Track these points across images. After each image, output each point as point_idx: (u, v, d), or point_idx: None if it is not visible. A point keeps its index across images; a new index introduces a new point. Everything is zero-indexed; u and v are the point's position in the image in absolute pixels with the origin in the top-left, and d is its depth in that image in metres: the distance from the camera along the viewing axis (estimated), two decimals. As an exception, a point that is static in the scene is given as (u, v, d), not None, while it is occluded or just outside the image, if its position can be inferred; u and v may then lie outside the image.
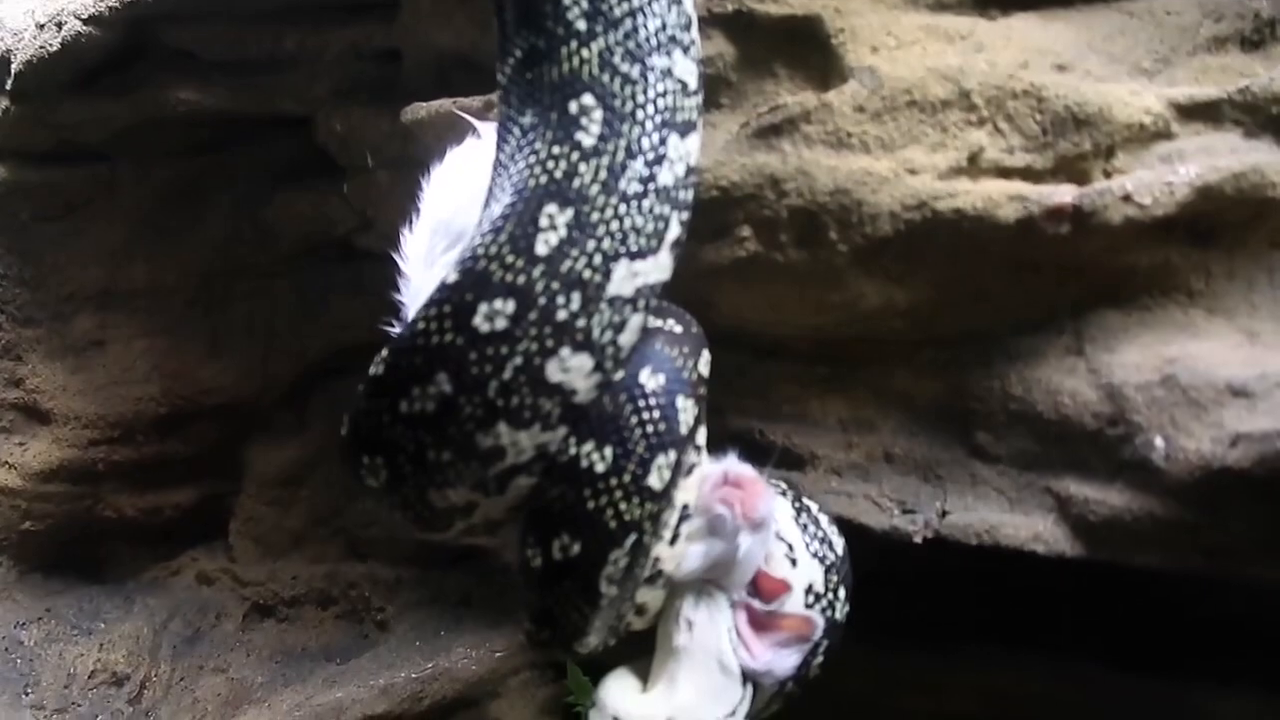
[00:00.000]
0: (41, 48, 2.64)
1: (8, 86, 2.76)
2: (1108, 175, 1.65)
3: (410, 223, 1.76)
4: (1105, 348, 1.67)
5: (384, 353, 1.45)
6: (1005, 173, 1.66)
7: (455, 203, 1.68)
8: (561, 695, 2.46)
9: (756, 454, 1.92)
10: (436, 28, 2.10)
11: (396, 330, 1.68)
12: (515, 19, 1.48)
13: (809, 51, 1.76)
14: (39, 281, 2.97)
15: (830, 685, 1.73)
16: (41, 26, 2.66)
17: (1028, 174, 1.66)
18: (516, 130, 1.48)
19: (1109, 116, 1.62)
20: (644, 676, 1.68)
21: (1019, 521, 1.71)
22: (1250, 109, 1.62)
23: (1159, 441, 1.54)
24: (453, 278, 1.41)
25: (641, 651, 1.71)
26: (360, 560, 2.77)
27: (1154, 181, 1.56)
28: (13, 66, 2.70)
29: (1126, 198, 1.57)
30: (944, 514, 1.79)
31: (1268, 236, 1.66)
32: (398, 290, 1.74)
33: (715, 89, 1.78)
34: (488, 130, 1.79)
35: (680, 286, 1.54)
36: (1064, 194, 1.60)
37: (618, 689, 1.65)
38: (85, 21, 2.54)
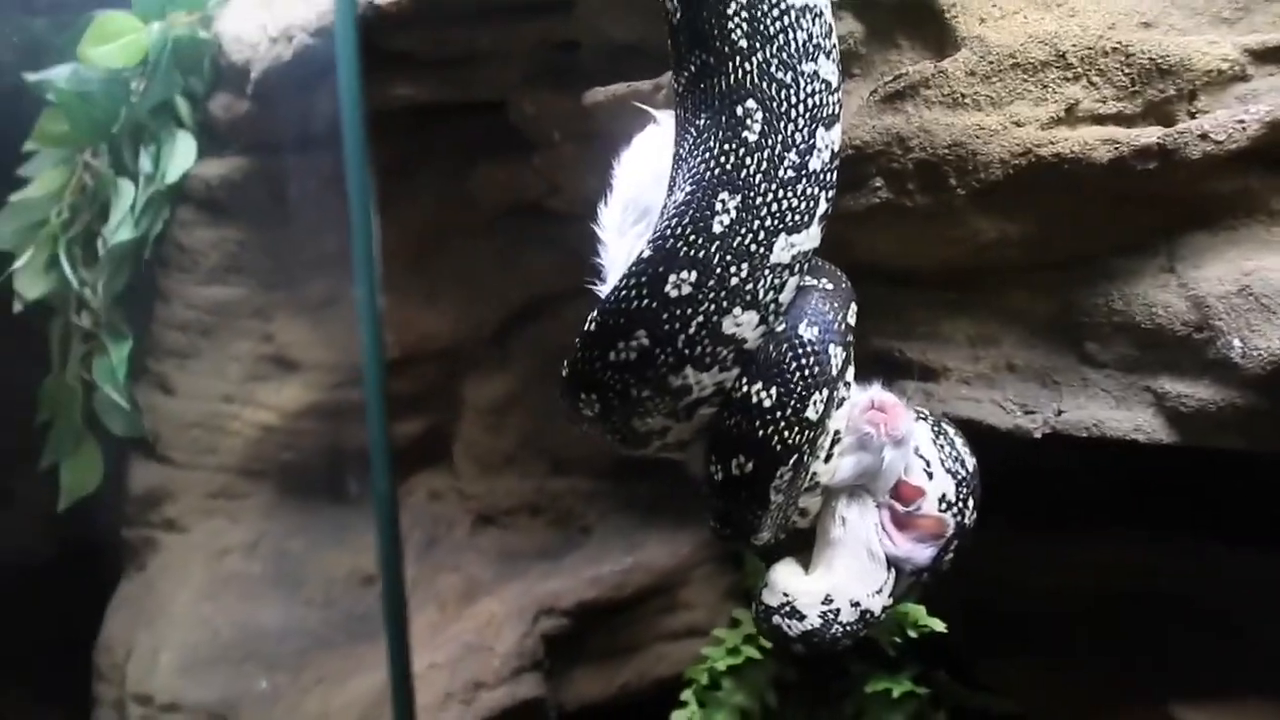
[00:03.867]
0: (277, 57, 3.14)
1: (249, 91, 3.27)
2: (1191, 116, 1.91)
3: (605, 198, 2.15)
4: (1194, 265, 1.94)
5: (594, 313, 1.84)
6: (1100, 120, 1.94)
7: (641, 182, 2.05)
8: (741, 581, 2.88)
9: (896, 370, 2.29)
10: (609, 22, 2.47)
11: (599, 290, 2.08)
12: (687, 40, 1.83)
13: (926, 24, 2.06)
14: (278, 251, 3.50)
15: (964, 567, 2.07)
16: (274, 40, 3.16)
17: (1119, 119, 1.93)
18: (692, 130, 1.84)
19: (1189, 65, 1.88)
20: (806, 564, 2.06)
21: (1123, 415, 2.01)
22: (1323, 49, 1.85)
23: (1236, 342, 1.82)
24: (647, 253, 1.79)
25: (804, 545, 2.07)
26: (563, 475, 3.24)
27: (1227, 120, 1.82)
28: (252, 75, 3.22)
29: (1204, 135, 1.83)
30: (1059, 413, 2.10)
31: (1343, 160, 1.89)
32: (596, 255, 2.14)
33: (848, 62, 2.11)
34: (664, 118, 2.16)
35: (826, 231, 1.89)
36: (1149, 135, 1.88)
37: (785, 572, 2.04)
38: (312, 34, 3.02)
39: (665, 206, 1.87)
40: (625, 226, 2.07)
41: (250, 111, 3.32)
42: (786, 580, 2.02)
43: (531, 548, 3.17)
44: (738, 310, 1.78)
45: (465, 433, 3.35)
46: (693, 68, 1.84)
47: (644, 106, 2.22)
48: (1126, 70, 1.90)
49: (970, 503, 2.02)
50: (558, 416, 3.15)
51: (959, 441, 2.04)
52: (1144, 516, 2.24)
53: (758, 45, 1.78)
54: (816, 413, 1.84)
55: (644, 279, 1.77)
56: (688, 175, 1.82)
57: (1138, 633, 2.33)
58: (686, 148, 1.86)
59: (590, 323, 1.84)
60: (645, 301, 1.77)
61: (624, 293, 1.79)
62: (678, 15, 1.85)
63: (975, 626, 2.47)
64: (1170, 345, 1.95)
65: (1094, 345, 2.07)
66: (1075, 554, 2.35)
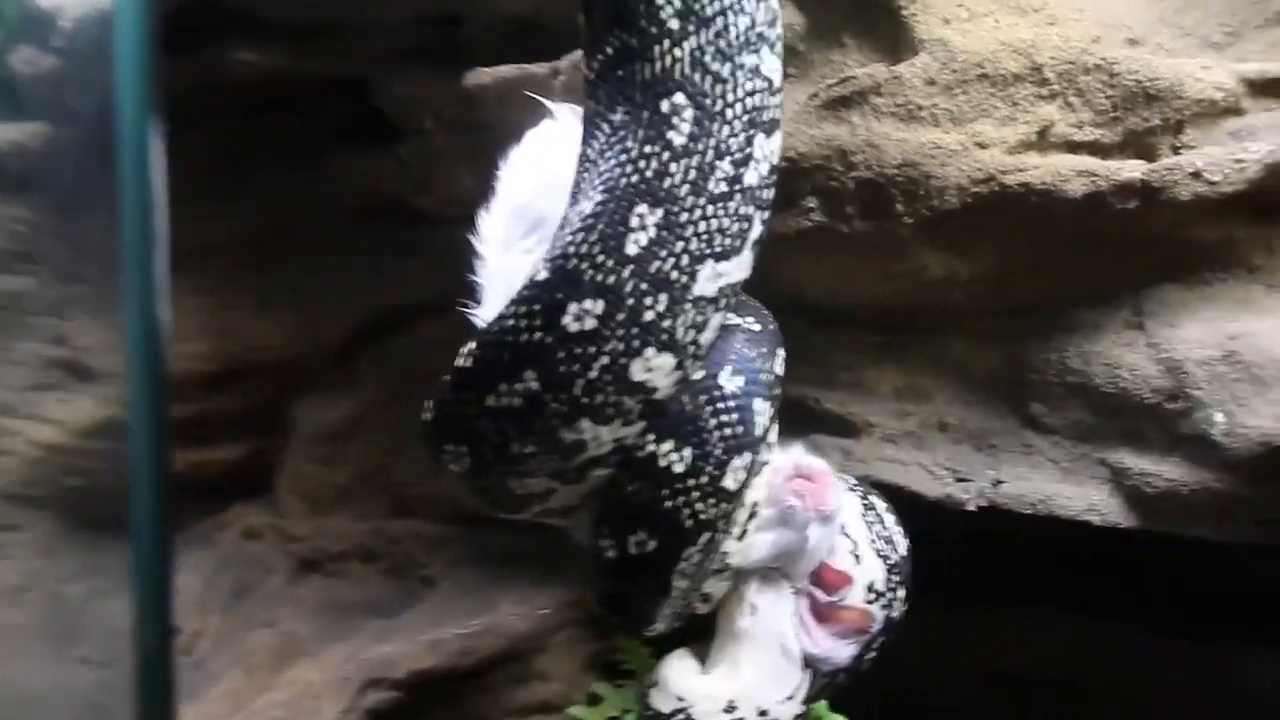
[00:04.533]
0: (92, 7, 2.64)
1: (56, 45, 2.76)
2: (1175, 150, 1.67)
3: (486, 202, 1.79)
4: (1166, 322, 1.70)
5: (472, 346, 1.48)
6: (1073, 147, 1.68)
7: (535, 186, 1.70)
8: (605, 651, 2.51)
9: (811, 422, 1.98)
10: (501, -9, 2.12)
11: (475, 314, 1.73)
12: (606, 17, 1.49)
13: (879, 22, 1.77)
14: (79, 238, 2.99)
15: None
16: (94, -16, 2.66)
17: (1095, 148, 1.68)
18: (606, 126, 1.50)
19: (1180, 92, 1.64)
20: (702, 658, 1.71)
21: (1073, 491, 1.75)
22: (1321, 87, 1.63)
23: (1219, 417, 1.57)
24: (542, 275, 1.43)
25: (700, 632, 1.74)
26: (405, 517, 2.81)
27: (1224, 158, 1.58)
28: (61, 25, 2.71)
29: (1196, 174, 1.58)
30: (997, 483, 1.82)
31: (1333, 215, 1.67)
32: (472, 270, 1.78)
33: (785, 59, 1.78)
34: (563, 110, 1.81)
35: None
36: (1133, 170, 1.62)
37: (680, 670, 1.69)
38: (140, -21, 2.54)
39: (567, 218, 1.53)
40: (512, 238, 1.72)
41: (56, 69, 2.80)
42: (681, 680, 1.66)
43: (362, 601, 2.72)
44: (651, 351, 1.44)
45: (293, 462, 2.89)
46: (610, 50, 1.50)
47: (538, 96, 1.86)
48: (1109, 92, 1.65)
49: (901, 592, 1.71)
50: (406, 448, 2.82)
51: (890, 519, 1.73)
52: (1089, 599, 1.98)
53: (691, 28, 1.45)
54: (736, 482, 1.52)
55: (537, 307, 1.42)
56: (598, 181, 1.48)
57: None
58: (598, 147, 1.52)
59: (465, 357, 1.48)
60: (538, 335, 1.42)
61: (511, 323, 1.44)
62: None
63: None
64: (1134, 413, 1.69)
65: (1040, 407, 1.81)
66: (1007, 636, 2.08)
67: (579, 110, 1.84)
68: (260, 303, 2.84)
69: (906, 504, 1.82)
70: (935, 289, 1.81)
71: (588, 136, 1.56)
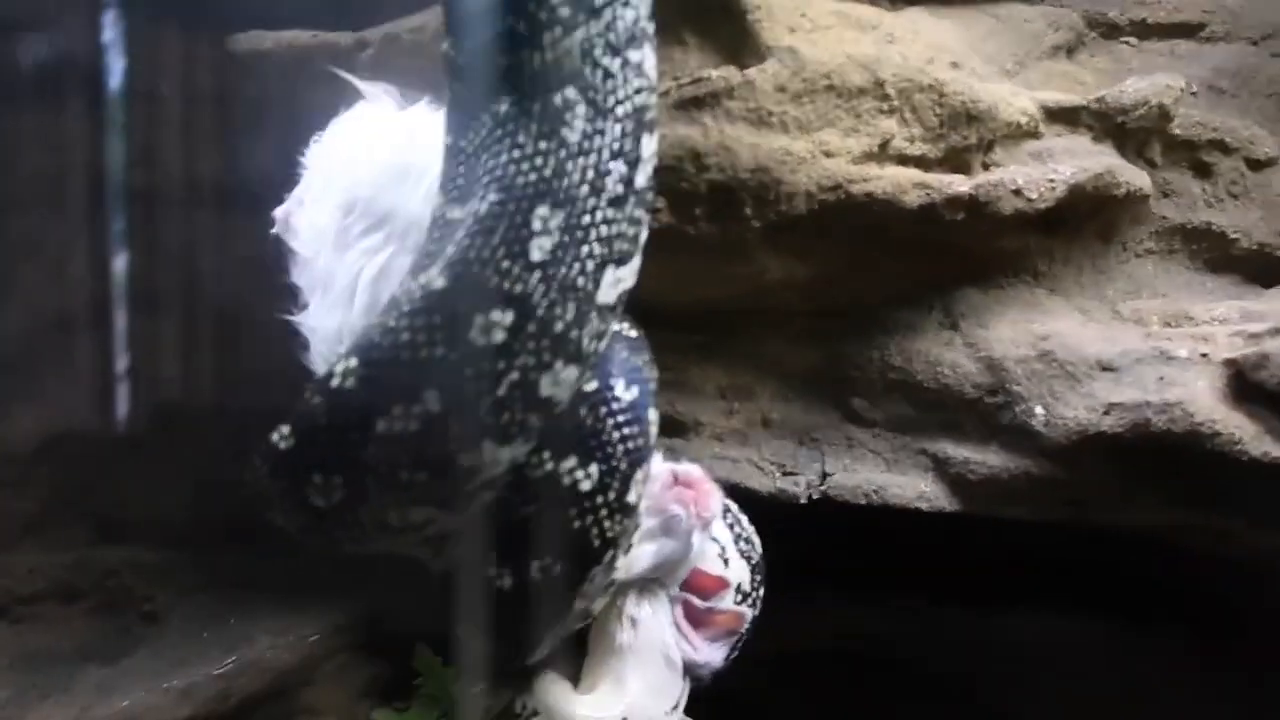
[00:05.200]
0: None
1: None
2: (985, 167, 1.82)
3: (288, 193, 1.58)
4: (976, 323, 1.85)
5: (352, 364, 1.29)
6: (904, 160, 1.78)
7: (372, 179, 1.51)
8: (378, 677, 2.33)
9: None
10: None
11: (298, 318, 1.52)
12: None
13: (721, 24, 1.76)
14: None
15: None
16: None
17: (921, 162, 1.79)
18: (487, 119, 1.35)
19: (995, 114, 1.78)
20: (570, 678, 1.64)
21: (901, 481, 1.86)
22: (1100, 115, 1.86)
23: (1039, 410, 1.75)
24: (440, 283, 1.27)
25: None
26: (114, 543, 2.41)
27: (1039, 178, 1.75)
28: None
29: (1018, 191, 1.74)
30: (825, 476, 1.90)
31: (1096, 229, 1.92)
32: (282, 269, 1.56)
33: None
34: (375, 93, 1.63)
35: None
36: (960, 184, 1.75)
37: (560, 695, 1.59)
38: None
39: (447, 219, 1.37)
40: (350, 237, 1.54)
41: None
42: (567, 706, 1.58)
43: (69, 648, 2.31)
44: (559, 365, 1.34)
45: (-40, 489, 2.37)
46: (488, 33, 1.36)
47: (351, 79, 1.66)
48: (939, 110, 1.76)
49: (761, 591, 1.74)
50: (114, 463, 2.41)
51: (744, 520, 1.75)
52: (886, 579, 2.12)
53: (581, 18, 1.35)
54: (637, 495, 1.48)
55: (437, 319, 1.27)
56: (485, 178, 1.34)
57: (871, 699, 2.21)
58: (478, 140, 1.37)
59: (346, 377, 1.30)
60: (440, 351, 1.27)
61: (406, 337, 1.28)
62: None
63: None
64: (954, 407, 1.84)
65: (862, 402, 1.91)
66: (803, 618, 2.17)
67: (394, 91, 1.67)
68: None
69: (740, 500, 1.85)
70: (770, 291, 1.85)
71: (459, 127, 1.41)
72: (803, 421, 1.94)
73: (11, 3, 2.06)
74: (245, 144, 1.79)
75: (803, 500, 1.89)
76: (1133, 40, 2.12)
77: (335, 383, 1.31)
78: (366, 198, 1.53)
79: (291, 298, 1.58)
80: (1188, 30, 2.11)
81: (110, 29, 2.01)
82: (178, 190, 2.06)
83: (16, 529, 2.39)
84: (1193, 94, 2.01)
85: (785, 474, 1.92)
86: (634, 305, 1.81)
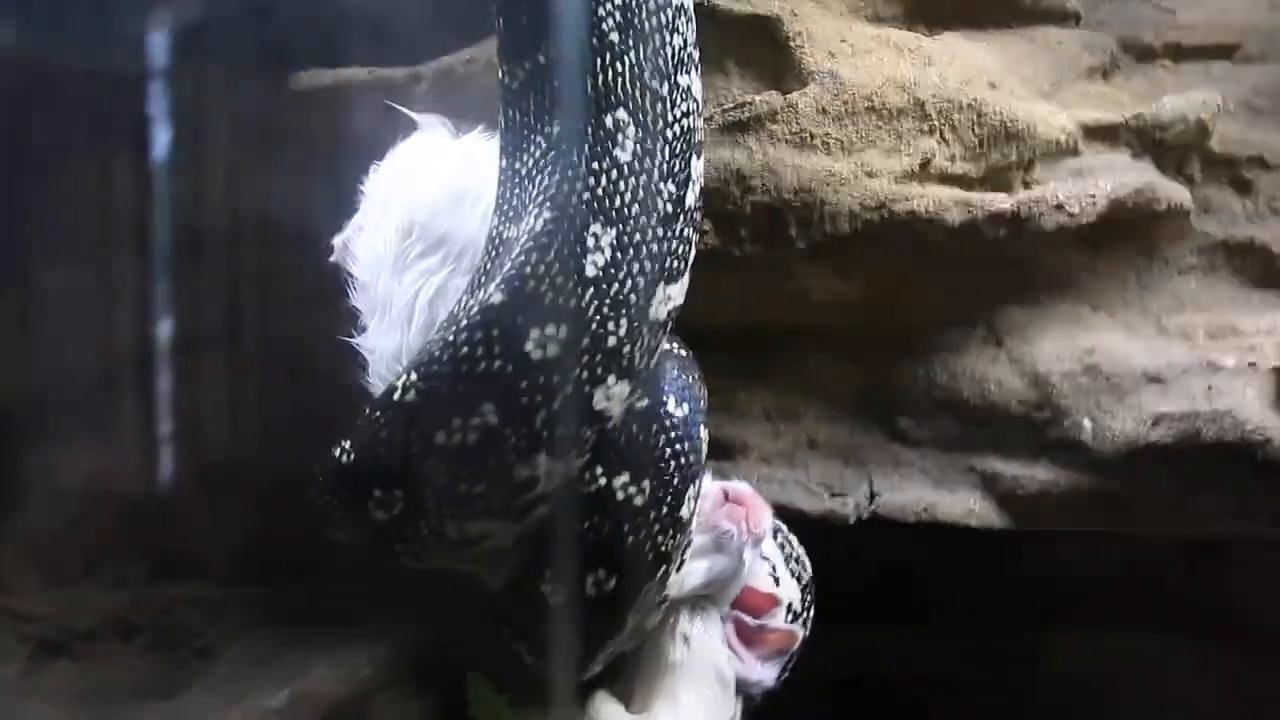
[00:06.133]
0: None
1: None
2: (1026, 185, 1.85)
3: (346, 222, 1.64)
4: (1021, 339, 1.87)
5: (412, 378, 1.34)
6: (946, 179, 1.80)
7: (429, 204, 1.57)
8: (433, 706, 2.33)
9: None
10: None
11: (360, 342, 1.56)
12: (536, 26, 1.41)
13: (764, 51, 1.80)
14: None
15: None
16: None
17: (963, 181, 1.81)
18: (540, 141, 1.41)
19: (1034, 133, 1.81)
20: (622, 698, 1.64)
21: (949, 499, 1.87)
22: (1139, 132, 1.89)
23: (1087, 423, 1.76)
24: (498, 298, 1.32)
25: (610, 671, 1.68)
26: (171, 580, 2.44)
27: (1080, 193, 1.78)
28: None
29: (1059, 206, 1.76)
30: (873, 495, 1.91)
31: (1137, 245, 1.93)
32: (347, 296, 1.61)
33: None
34: (431, 123, 1.70)
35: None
36: (1002, 201, 1.77)
37: (612, 714, 1.60)
38: None
39: (503, 238, 1.43)
40: (407, 259, 1.59)
41: None
42: None
43: (127, 684, 2.33)
44: (612, 379, 1.38)
45: (23, 525, 2.42)
46: (540, 59, 1.43)
47: (406, 110, 1.73)
48: (978, 130, 1.79)
49: (812, 610, 1.75)
50: (162, 496, 2.46)
51: (794, 540, 1.77)
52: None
53: (632, 43, 1.41)
54: (690, 511, 1.50)
55: (495, 333, 1.32)
56: (540, 197, 1.39)
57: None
58: (532, 162, 1.43)
59: (406, 390, 1.35)
60: (497, 364, 1.31)
61: (465, 350, 1.32)
62: None
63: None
64: (1002, 423, 1.85)
65: (908, 421, 1.92)
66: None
67: (448, 123, 1.73)
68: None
69: (790, 522, 1.87)
70: (815, 311, 1.87)
71: (513, 149, 1.47)
72: (849, 442, 1.95)
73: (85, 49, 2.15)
74: (307, 179, 1.86)
75: (852, 521, 1.89)
76: (1167, 63, 2.15)
77: (396, 396, 1.35)
78: (423, 221, 1.58)
79: (351, 322, 1.63)
80: (1222, 51, 2.14)
81: (176, 71, 2.11)
82: (247, 228, 2.13)
83: (76, 566, 2.43)
84: (1229, 112, 2.03)
85: (833, 495, 1.93)
86: (682, 327, 1.87)
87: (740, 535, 1.59)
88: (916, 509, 1.86)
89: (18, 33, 2.11)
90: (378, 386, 1.58)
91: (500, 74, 1.49)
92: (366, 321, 1.62)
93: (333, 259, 1.70)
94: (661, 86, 1.44)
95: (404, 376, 1.38)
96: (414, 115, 1.73)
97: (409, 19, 1.88)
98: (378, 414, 1.38)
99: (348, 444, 1.41)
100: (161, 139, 2.09)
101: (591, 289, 1.35)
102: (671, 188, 1.43)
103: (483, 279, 1.45)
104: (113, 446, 2.45)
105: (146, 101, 2.10)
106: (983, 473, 1.86)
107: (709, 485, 1.63)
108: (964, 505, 1.85)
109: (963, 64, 1.82)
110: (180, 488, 2.45)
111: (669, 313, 1.46)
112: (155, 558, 2.48)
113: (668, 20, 1.45)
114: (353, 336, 1.62)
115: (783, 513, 1.86)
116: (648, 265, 1.40)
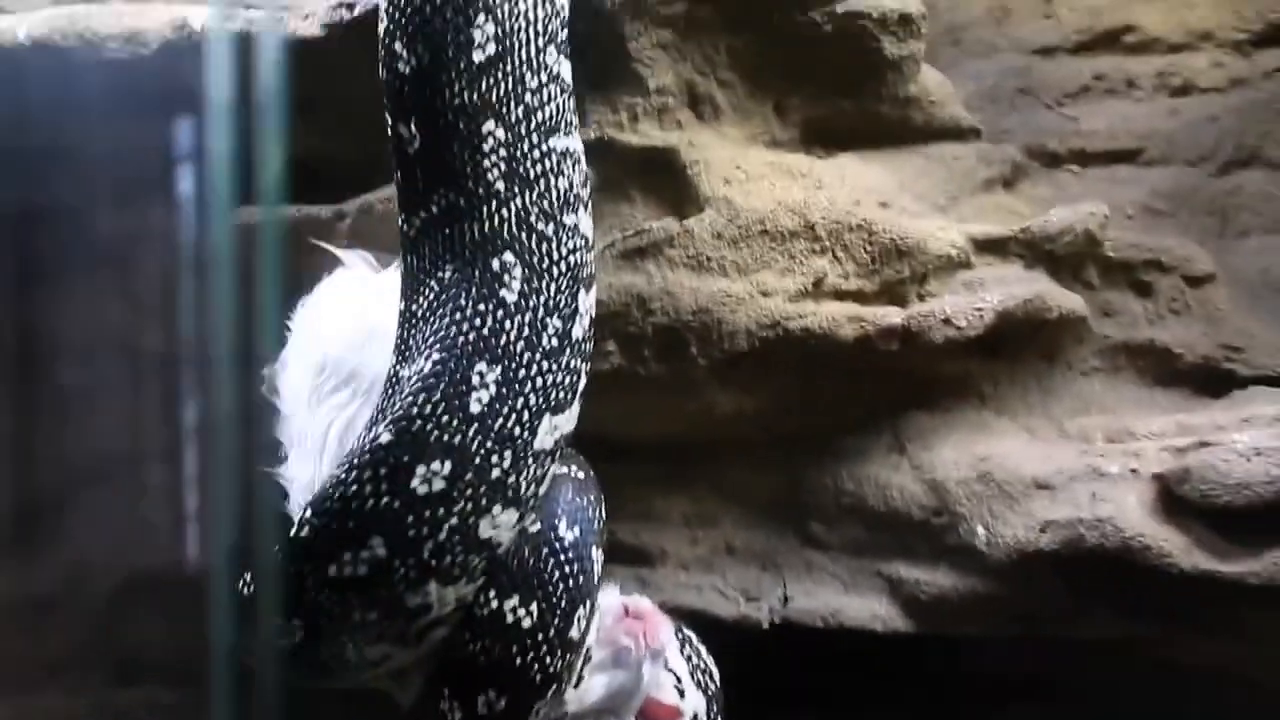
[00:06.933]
0: None
1: None
2: (920, 298, 1.92)
3: (276, 355, 1.72)
4: (922, 446, 1.93)
5: (307, 514, 1.42)
6: (841, 295, 1.88)
7: (342, 340, 1.66)
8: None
9: (607, 552, 2.03)
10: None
11: (279, 473, 1.64)
12: (429, 175, 1.51)
13: (664, 180, 1.90)
14: None
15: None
16: None
17: (859, 296, 1.89)
18: (433, 284, 1.51)
19: (924, 248, 1.89)
20: None
21: (857, 604, 1.92)
22: (1029, 244, 1.95)
23: (980, 529, 1.81)
24: (385, 438, 1.41)
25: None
26: (133, 684, 2.52)
27: (966, 307, 1.84)
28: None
29: (947, 320, 1.83)
30: (786, 600, 1.96)
31: (1038, 350, 1.99)
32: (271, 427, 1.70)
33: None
34: (353, 259, 1.79)
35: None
36: (893, 316, 1.85)
37: None
38: None
39: (399, 377, 1.52)
40: (321, 394, 1.68)
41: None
42: None
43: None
44: (498, 508, 1.46)
45: (-13, 635, 2.51)
46: (434, 209, 1.53)
47: (329, 248, 1.83)
48: (869, 248, 1.87)
49: None
50: (131, 607, 2.54)
51: (703, 650, 1.81)
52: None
53: (516, 189, 1.51)
54: (579, 631, 1.56)
55: (383, 471, 1.40)
56: (431, 339, 1.49)
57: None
58: (425, 304, 1.53)
59: (301, 526, 1.43)
60: (384, 501, 1.40)
61: (354, 488, 1.41)
62: (415, 145, 1.53)
63: None
64: (904, 529, 1.90)
65: (819, 526, 1.98)
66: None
67: (370, 258, 1.83)
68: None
69: (705, 627, 1.92)
70: (723, 424, 1.95)
71: (411, 293, 1.56)
72: (764, 547, 2.01)
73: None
74: (248, 308, 1.96)
75: (765, 625, 1.95)
76: (1074, 168, 2.24)
77: (292, 531, 1.44)
78: (336, 357, 1.68)
79: (274, 451, 1.72)
80: (1125, 156, 2.22)
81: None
82: (190, 350, 2.23)
83: (39, 672, 2.51)
84: (1129, 217, 2.10)
85: (749, 600, 1.98)
86: (599, 439, 1.94)
87: (639, 650, 1.64)
88: (825, 613, 1.92)
89: None
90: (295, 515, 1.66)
91: (399, 222, 1.59)
92: (287, 451, 1.71)
93: (263, 390, 1.79)
94: (548, 228, 1.53)
95: (301, 512, 1.46)
96: (337, 251, 1.83)
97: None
98: (276, 548, 1.46)
99: (249, 575, 1.49)
100: (109, 268, 2.21)
101: (475, 424, 1.43)
102: (558, 322, 1.52)
103: (377, 417, 1.54)
104: (77, 552, 2.54)
105: (98, 231, 2.23)
106: (889, 577, 1.91)
107: (611, 600, 1.69)
108: (871, 610, 1.90)
109: (854, 184, 1.91)
110: (142, 593, 2.54)
111: (556, 441, 1.54)
112: (116, 663, 2.56)
113: (553, 165, 1.55)
114: (273, 466, 1.70)
115: (697, 618, 1.92)
116: (532, 399, 1.48)
